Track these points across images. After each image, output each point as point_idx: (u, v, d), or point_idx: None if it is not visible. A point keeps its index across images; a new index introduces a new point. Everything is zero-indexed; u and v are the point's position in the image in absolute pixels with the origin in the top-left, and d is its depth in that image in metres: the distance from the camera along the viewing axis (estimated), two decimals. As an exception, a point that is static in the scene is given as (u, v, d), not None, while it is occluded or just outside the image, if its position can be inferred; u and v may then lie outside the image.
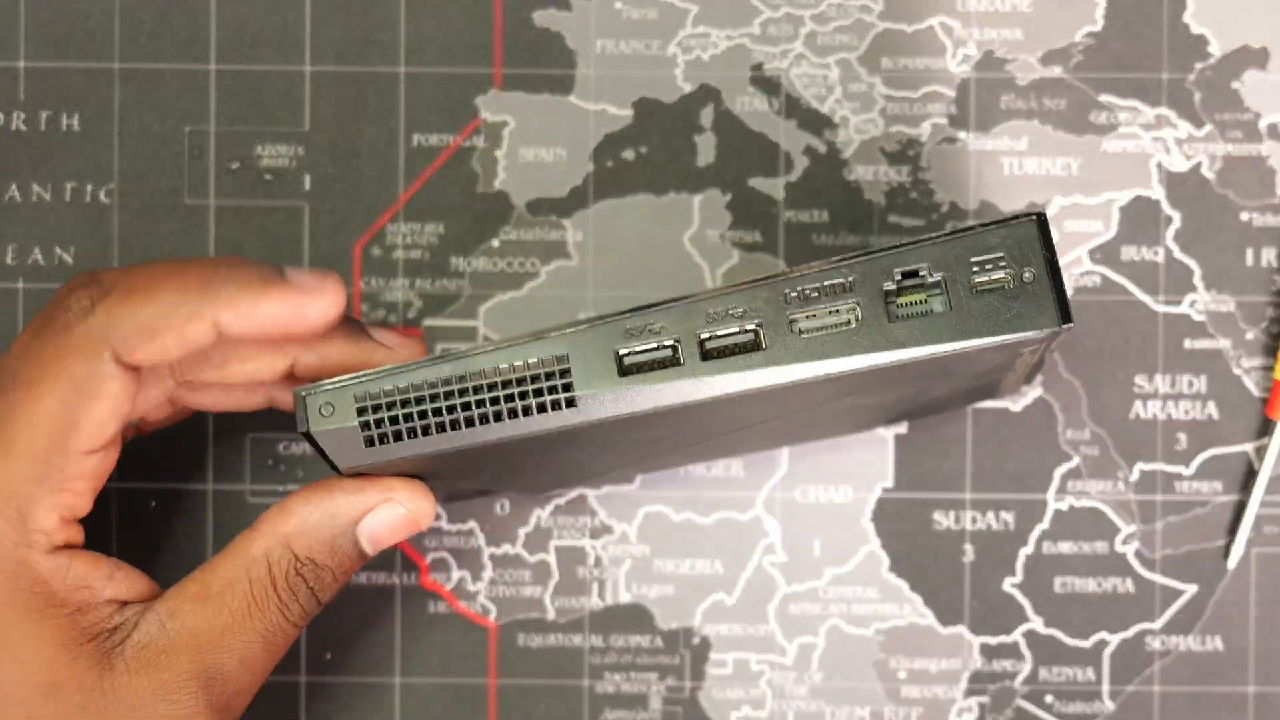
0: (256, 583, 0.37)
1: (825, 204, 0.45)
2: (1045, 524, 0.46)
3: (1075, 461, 0.45)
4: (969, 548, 0.46)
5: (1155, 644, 0.45)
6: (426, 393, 0.35)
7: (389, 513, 0.38)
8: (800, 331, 0.34)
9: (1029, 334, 0.33)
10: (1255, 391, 0.45)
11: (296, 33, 0.46)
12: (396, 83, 0.46)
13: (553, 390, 0.35)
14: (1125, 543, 0.45)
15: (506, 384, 0.35)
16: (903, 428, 0.46)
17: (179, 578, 0.38)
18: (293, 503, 0.37)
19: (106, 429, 0.36)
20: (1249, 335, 0.45)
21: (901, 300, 0.34)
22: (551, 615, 0.46)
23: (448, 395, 0.35)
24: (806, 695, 0.46)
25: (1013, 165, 0.45)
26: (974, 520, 0.46)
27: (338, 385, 0.35)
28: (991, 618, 0.46)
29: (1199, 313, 0.45)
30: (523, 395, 0.35)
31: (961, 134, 0.45)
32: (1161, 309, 0.45)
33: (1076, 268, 0.45)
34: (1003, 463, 0.46)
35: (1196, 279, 0.45)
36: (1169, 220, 0.45)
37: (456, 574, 0.46)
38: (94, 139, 0.46)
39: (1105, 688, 0.45)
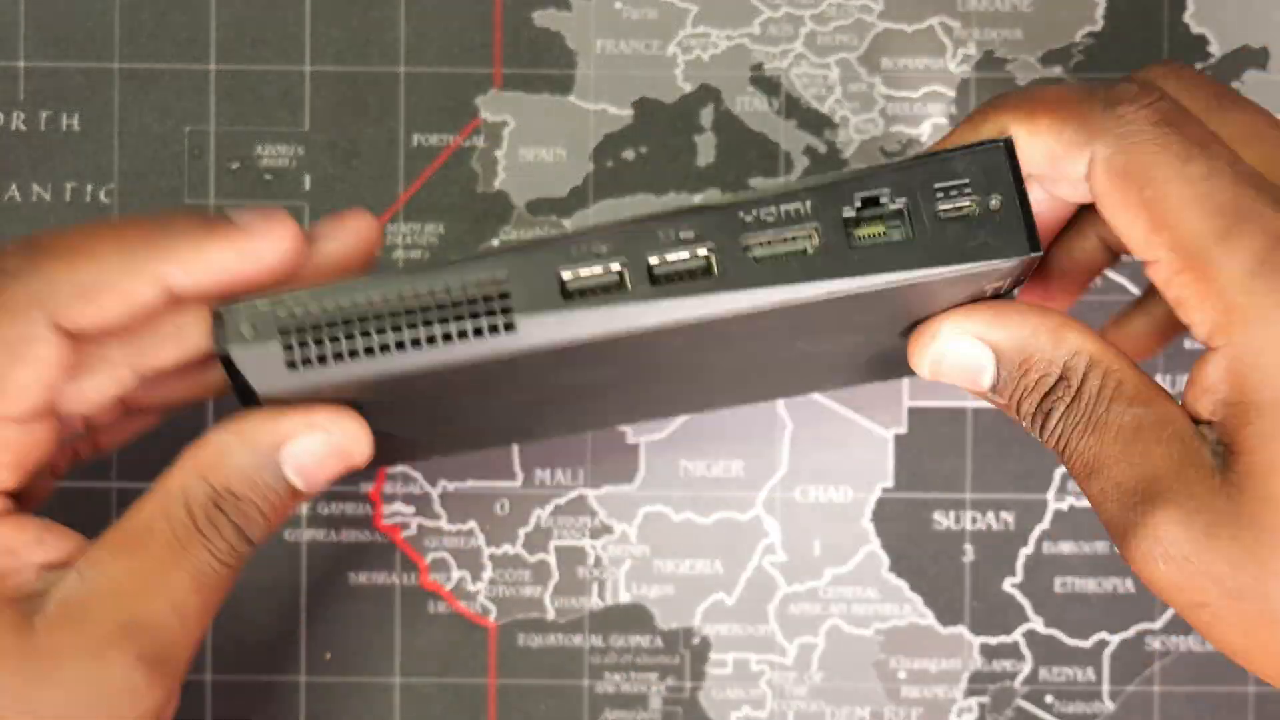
0: (176, 520, 0.34)
1: (825, 204, 0.46)
2: (1045, 524, 0.46)
3: (1075, 461, 0.45)
4: (969, 548, 0.46)
5: (1155, 644, 0.45)
6: (356, 315, 0.32)
7: (312, 440, 0.35)
8: (755, 258, 0.32)
9: (996, 263, 0.32)
10: (1255, 391, 0.45)
11: (296, 33, 0.46)
12: (396, 83, 0.46)
13: (490, 313, 0.32)
14: (1125, 543, 0.45)
15: (442, 306, 0.32)
16: (903, 428, 0.46)
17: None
18: (212, 432, 0.35)
19: (29, 394, 0.34)
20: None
21: (861, 230, 0.32)
22: (551, 615, 0.46)
23: (378, 317, 0.32)
24: (806, 695, 0.46)
25: (1013, 165, 0.45)
26: (974, 520, 0.46)
27: (261, 303, 0.33)
28: (991, 618, 0.46)
29: (1199, 313, 0.45)
30: (458, 318, 0.32)
31: (961, 134, 0.45)
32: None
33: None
34: (1003, 463, 0.46)
35: (1196, 279, 0.45)
36: (1169, 220, 0.45)
37: (456, 574, 0.46)
38: (94, 139, 0.46)
39: (1105, 688, 0.45)
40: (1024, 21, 0.45)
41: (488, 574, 0.46)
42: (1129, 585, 0.45)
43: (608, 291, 0.32)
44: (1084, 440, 0.34)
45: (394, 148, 0.46)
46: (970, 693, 0.46)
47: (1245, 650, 0.33)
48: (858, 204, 0.32)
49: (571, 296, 0.32)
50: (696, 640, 0.46)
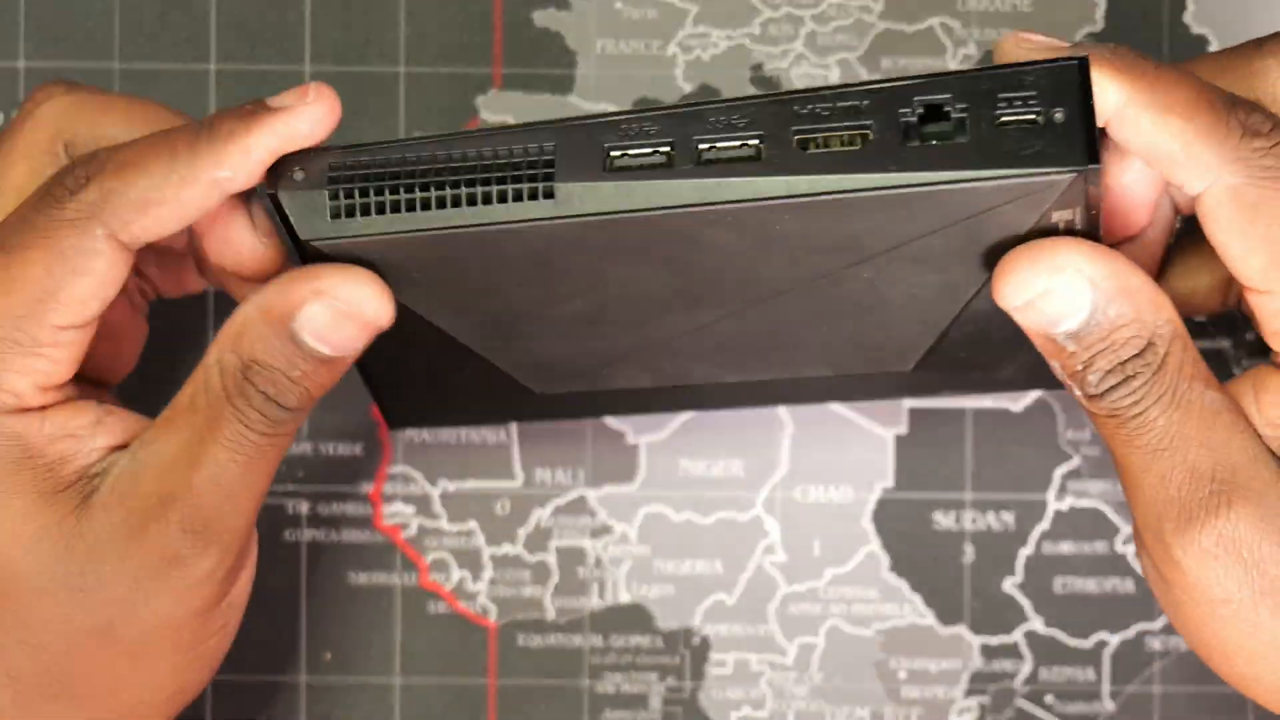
0: (211, 392, 0.35)
1: (825, 204, 0.45)
2: (1045, 524, 0.46)
3: (1076, 462, 0.45)
4: (969, 548, 0.46)
5: (1155, 644, 0.45)
6: (404, 169, 0.33)
7: (321, 305, 0.35)
8: (805, 150, 0.32)
9: (1051, 173, 0.31)
10: (1255, 391, 0.45)
11: (296, 33, 0.46)
12: (396, 83, 0.46)
13: (533, 179, 0.33)
14: (1125, 543, 0.45)
15: (487, 167, 0.33)
16: (903, 428, 0.46)
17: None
18: (241, 306, 0.36)
19: (87, 307, 0.35)
20: (1249, 335, 0.45)
21: (920, 129, 0.32)
22: (551, 615, 0.46)
23: (423, 173, 0.33)
24: (806, 695, 0.46)
25: (1013, 165, 0.45)
26: (974, 520, 0.46)
27: (315, 150, 0.34)
28: (991, 618, 0.46)
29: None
30: (500, 181, 0.33)
31: (961, 134, 0.45)
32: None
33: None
34: (1003, 463, 0.46)
35: (1196, 279, 0.45)
36: (1169, 220, 0.45)
37: (456, 574, 0.46)
38: (94, 139, 0.46)
39: (1105, 688, 0.45)
40: (1024, 21, 0.45)
41: (488, 574, 0.46)
42: (1129, 585, 0.45)
43: (653, 169, 0.32)
44: (1165, 414, 0.33)
45: (394, 148, 0.46)
46: (970, 693, 0.46)
47: (1246, 650, 0.34)
48: (919, 110, 0.32)
49: (615, 172, 0.32)
50: (696, 640, 0.46)
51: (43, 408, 0.36)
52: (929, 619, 0.46)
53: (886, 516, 0.46)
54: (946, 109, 0.32)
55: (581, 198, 0.33)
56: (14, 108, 0.46)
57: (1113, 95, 0.32)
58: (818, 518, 0.46)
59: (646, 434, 0.46)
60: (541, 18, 0.46)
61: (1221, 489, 0.33)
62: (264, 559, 0.46)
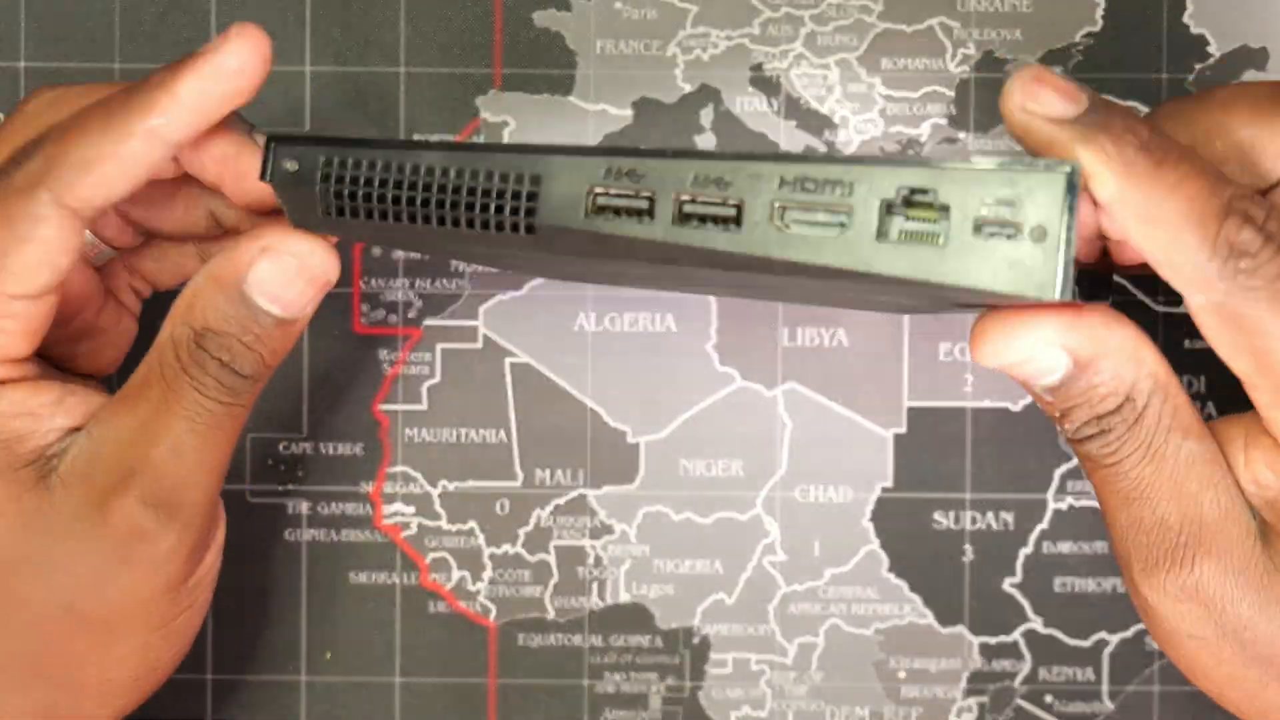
0: (166, 366, 0.36)
1: (825, 204, 0.46)
2: (1045, 524, 0.46)
3: (1075, 462, 0.45)
4: (969, 548, 0.46)
5: (1155, 644, 0.45)
6: (394, 176, 0.34)
7: (269, 263, 0.36)
8: (784, 222, 0.32)
9: (1022, 295, 0.31)
10: (1255, 391, 0.45)
11: (296, 33, 0.46)
12: (396, 83, 0.46)
13: (515, 211, 0.33)
14: (1125, 543, 0.45)
15: (472, 190, 0.33)
16: (903, 427, 0.46)
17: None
18: (191, 278, 0.36)
19: (38, 275, 0.35)
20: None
21: (898, 218, 0.31)
22: (551, 615, 0.46)
23: (412, 186, 0.34)
24: (806, 695, 0.46)
25: (1013, 165, 0.45)
26: (974, 520, 0.46)
27: (309, 140, 0.34)
28: (991, 618, 0.46)
29: (1199, 313, 0.45)
30: (484, 208, 0.33)
31: (961, 134, 0.45)
32: (1161, 309, 0.45)
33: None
34: (1003, 463, 0.46)
35: (1196, 279, 0.45)
36: (1169, 220, 0.45)
37: (456, 574, 0.46)
38: (94, 139, 0.46)
39: (1105, 688, 0.45)
40: (1024, 21, 0.45)
41: (488, 574, 0.46)
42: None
43: (633, 214, 0.33)
44: (1139, 467, 0.34)
45: (394, 148, 0.46)
46: (970, 693, 0.46)
47: (1213, 675, 0.36)
48: (904, 192, 0.31)
49: (598, 211, 0.33)
50: (696, 640, 0.46)
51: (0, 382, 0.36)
52: (929, 619, 0.46)
53: (886, 516, 0.46)
54: (928, 205, 0.31)
55: (561, 239, 0.33)
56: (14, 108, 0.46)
57: (1104, 190, 0.32)
58: (818, 518, 0.46)
59: (646, 434, 0.46)
60: (541, 18, 0.46)
61: (1187, 542, 0.34)
62: (264, 559, 0.46)
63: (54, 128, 0.35)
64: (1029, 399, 0.45)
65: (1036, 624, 0.46)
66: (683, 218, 0.32)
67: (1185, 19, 0.45)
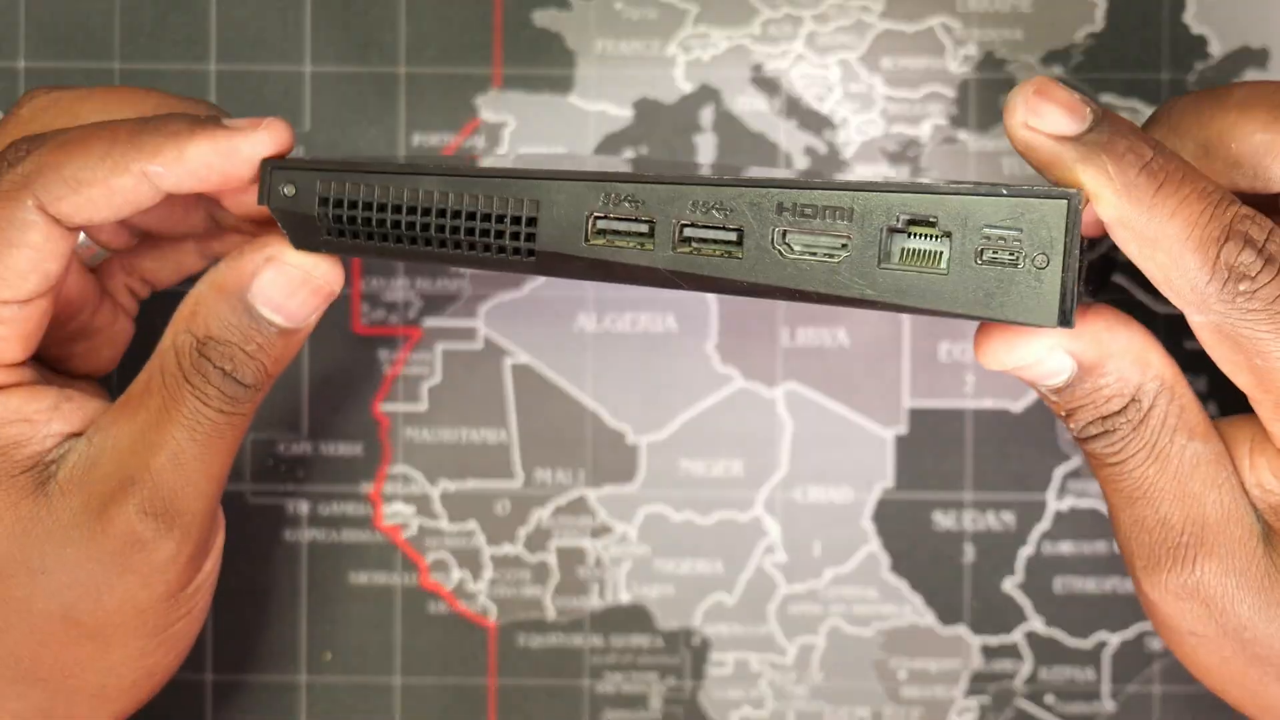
0: (168, 374, 0.36)
1: (825, 204, 0.45)
2: (1045, 524, 0.46)
3: (1076, 462, 0.45)
4: (969, 548, 0.46)
5: (1155, 644, 0.45)
6: (391, 201, 0.34)
7: (273, 273, 0.36)
8: (784, 249, 0.32)
9: (1023, 323, 0.31)
10: (1255, 391, 0.45)
11: (296, 33, 0.46)
12: (396, 83, 0.46)
13: (515, 236, 0.33)
14: (1125, 543, 0.45)
15: (471, 215, 0.33)
16: (903, 427, 0.46)
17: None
18: (194, 286, 0.36)
19: (26, 281, 0.35)
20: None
21: (899, 247, 0.31)
22: (551, 615, 0.46)
23: (410, 210, 0.34)
24: (806, 695, 0.46)
25: (1013, 166, 0.45)
26: (974, 520, 0.46)
27: (304, 165, 0.34)
28: (992, 618, 0.46)
29: (1199, 313, 0.45)
30: (484, 233, 0.33)
31: (961, 134, 0.45)
32: (1162, 311, 0.45)
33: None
34: (1003, 463, 0.46)
35: (1196, 279, 0.45)
36: (1169, 220, 0.45)
37: (456, 574, 0.46)
38: (94, 139, 0.46)
39: (1105, 688, 0.45)
40: (1024, 21, 0.45)
41: (488, 574, 0.46)
42: (1129, 585, 0.45)
43: (633, 237, 0.33)
44: (1143, 467, 0.34)
45: (394, 148, 0.46)
46: (970, 693, 0.46)
47: (1215, 673, 0.36)
48: (902, 222, 0.31)
49: (597, 235, 0.33)
50: (696, 640, 0.46)
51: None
52: (929, 619, 0.46)
53: (886, 516, 0.46)
54: (929, 233, 0.31)
55: (561, 264, 0.33)
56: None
57: (1106, 211, 0.32)
58: (818, 518, 0.46)
59: (646, 434, 0.46)
60: (541, 18, 0.46)
61: (1189, 542, 0.34)
62: (264, 559, 0.46)
63: (54, 134, 0.35)
64: (1029, 400, 0.45)
65: (1037, 624, 0.46)
66: (683, 243, 0.32)
67: (1186, 19, 0.45)
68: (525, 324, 0.46)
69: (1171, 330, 0.45)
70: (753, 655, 0.46)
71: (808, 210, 0.32)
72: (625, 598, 0.46)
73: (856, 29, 0.46)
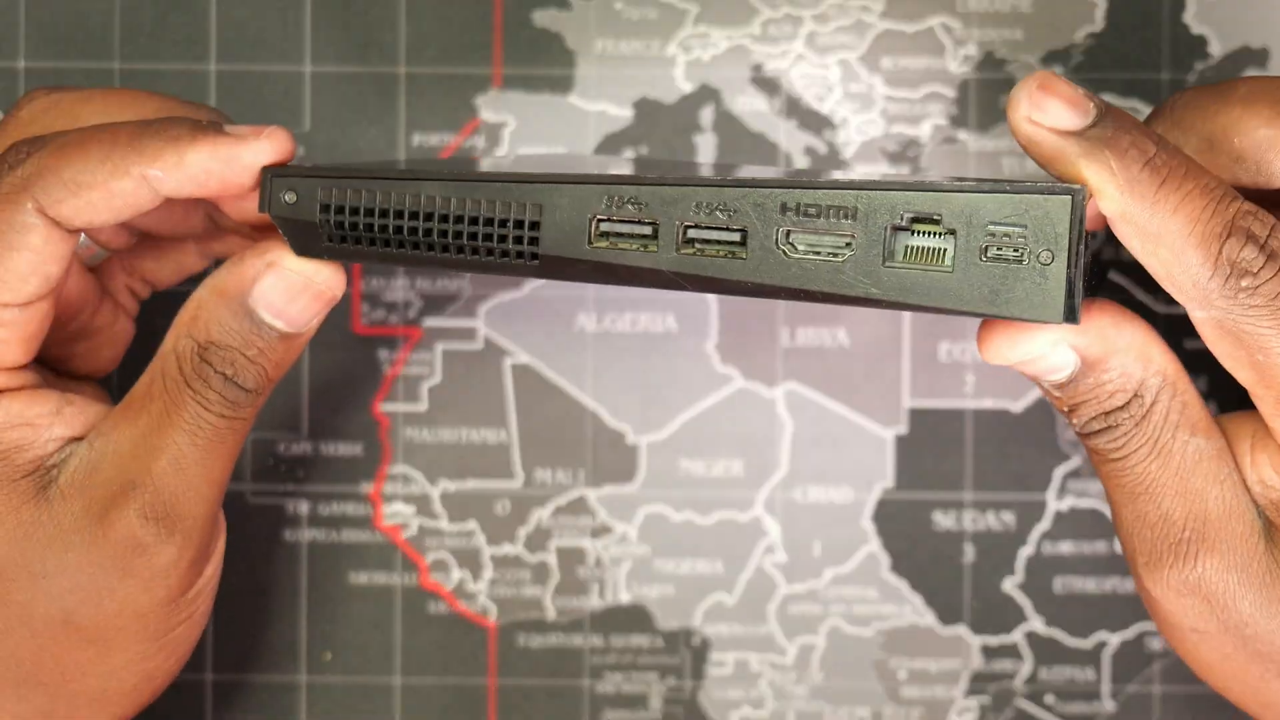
0: (169, 379, 0.36)
1: (825, 204, 0.45)
2: (1045, 524, 0.46)
3: (1076, 462, 0.45)
4: (969, 548, 0.46)
5: (1155, 644, 0.45)
6: (393, 207, 0.34)
7: (274, 278, 0.35)
8: (788, 248, 0.32)
9: (1027, 319, 0.31)
10: (1255, 391, 0.45)
11: (296, 33, 0.46)
12: (396, 83, 0.46)
13: (518, 240, 0.33)
14: (1125, 543, 0.45)
15: (474, 220, 0.33)
16: (903, 427, 0.46)
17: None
18: (195, 290, 0.36)
19: (26, 284, 0.35)
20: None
21: (903, 244, 0.31)
22: (551, 615, 0.46)
23: (412, 216, 0.34)
24: (806, 695, 0.46)
25: (1013, 165, 0.45)
26: (974, 520, 0.46)
27: (304, 171, 0.34)
28: (992, 618, 0.46)
29: (1199, 313, 0.45)
30: (487, 237, 0.33)
31: (961, 134, 0.45)
32: (1162, 309, 0.45)
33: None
34: (1003, 463, 0.46)
35: (1196, 279, 0.45)
36: (1169, 220, 0.45)
37: (456, 574, 0.46)
38: (94, 139, 0.46)
39: (1105, 688, 0.45)
40: (1024, 21, 0.45)
41: (488, 574, 0.46)
42: (1129, 585, 0.45)
43: (636, 240, 0.33)
44: (1145, 462, 0.34)
45: (394, 148, 0.46)
46: (970, 693, 0.46)
47: (1216, 669, 0.36)
48: (906, 220, 0.31)
49: (601, 237, 0.33)
50: (696, 640, 0.46)
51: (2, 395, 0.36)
52: (929, 619, 0.46)
53: (886, 516, 0.46)
54: (934, 230, 0.31)
55: (565, 267, 0.33)
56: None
57: (1108, 206, 0.32)
58: (818, 518, 0.46)
59: (646, 434, 0.46)
60: (541, 18, 0.46)
61: (1191, 538, 0.34)
62: (264, 559, 0.46)
63: (54, 136, 0.35)
64: (1029, 400, 0.45)
65: (1037, 624, 0.46)
66: (686, 245, 0.32)
67: (1186, 19, 0.45)
68: (525, 324, 0.46)
69: (1172, 329, 0.45)
70: (753, 655, 0.46)
71: (811, 210, 0.32)
72: (625, 598, 0.46)
73: (856, 29, 0.46)
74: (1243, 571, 0.34)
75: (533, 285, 0.46)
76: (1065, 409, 0.34)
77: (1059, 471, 0.45)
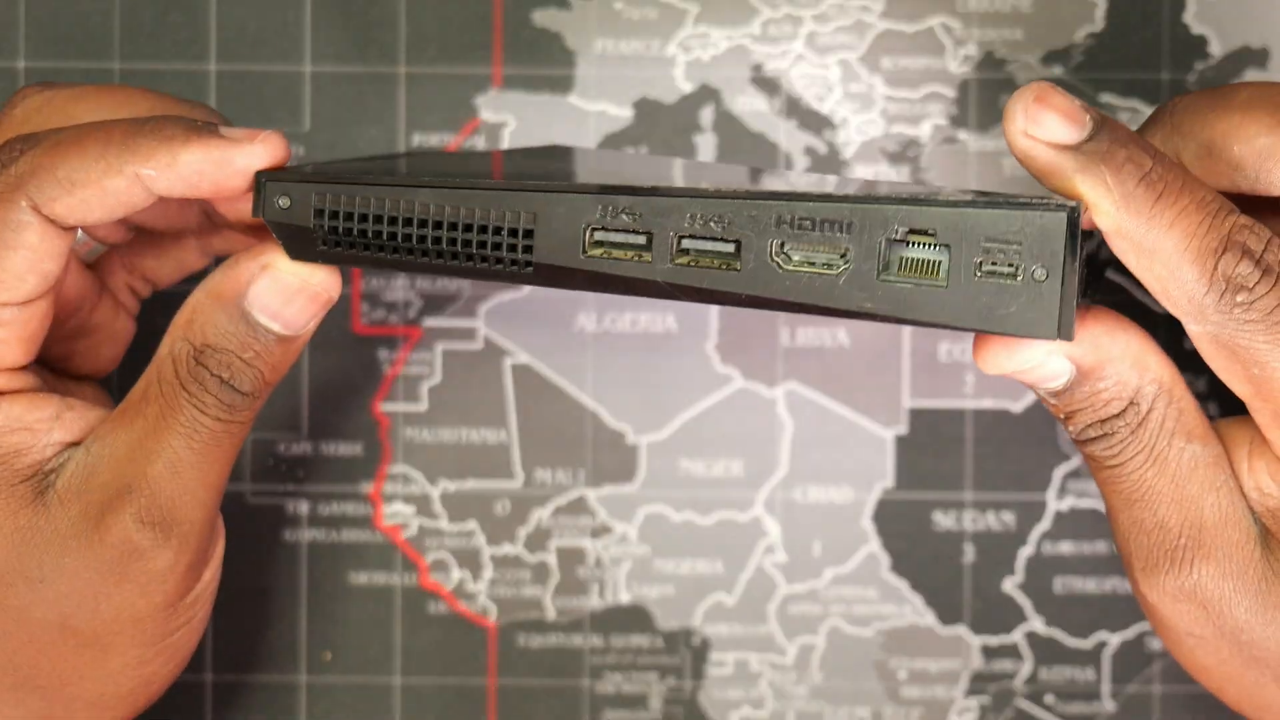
0: (165, 382, 0.35)
1: (825, 204, 0.45)
2: (1045, 524, 0.46)
3: (1076, 462, 0.45)
4: (969, 548, 0.46)
5: (1155, 644, 0.45)
6: (387, 214, 0.34)
7: (269, 280, 0.35)
8: (781, 263, 0.32)
9: (1021, 335, 0.31)
10: (1255, 391, 0.45)
11: (296, 33, 0.46)
12: (396, 83, 0.46)
13: (512, 248, 0.33)
14: (1125, 543, 0.45)
15: (468, 228, 0.33)
16: (903, 427, 0.46)
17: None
18: (191, 294, 0.36)
19: (24, 282, 0.35)
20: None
21: (898, 258, 0.31)
22: (551, 615, 0.46)
23: (406, 222, 0.34)
24: (806, 695, 0.46)
25: (1013, 166, 0.45)
26: (974, 520, 0.46)
27: (297, 175, 0.34)
28: (991, 618, 0.46)
29: (1199, 313, 0.45)
30: (481, 244, 0.33)
31: (961, 134, 0.45)
32: (1160, 310, 0.45)
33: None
34: (1003, 463, 0.46)
35: (1197, 279, 0.45)
36: (1169, 220, 0.45)
37: (456, 574, 0.46)
38: (94, 139, 0.46)
39: (1105, 688, 0.45)
40: (1024, 21, 0.45)
41: (488, 574, 0.46)
42: (1129, 585, 0.45)
43: (630, 249, 0.33)
44: (1141, 470, 0.34)
45: (393, 148, 0.46)
46: (970, 693, 0.46)
47: (1213, 673, 0.36)
48: (901, 234, 0.31)
49: (595, 246, 0.33)
50: (696, 640, 0.46)
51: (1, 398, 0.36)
52: (929, 619, 0.46)
53: (886, 516, 0.46)
54: (929, 244, 0.31)
55: (559, 276, 0.33)
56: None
57: (1103, 221, 0.32)
58: (818, 518, 0.46)
59: (646, 434, 0.46)
60: (541, 17, 0.46)
61: (1187, 545, 0.34)
62: (264, 559, 0.46)
63: (47, 134, 0.35)
64: (1029, 400, 0.45)
65: (1037, 624, 0.46)
66: (681, 255, 0.32)
67: (1186, 18, 0.45)
68: (525, 324, 0.46)
69: (1171, 331, 0.45)
70: (753, 655, 0.46)
71: (806, 223, 0.32)
72: (625, 598, 0.46)
73: (856, 29, 0.46)
74: (1238, 578, 0.34)
75: (531, 286, 0.46)
76: (1061, 416, 0.34)
77: (1059, 471, 0.45)
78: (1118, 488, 0.34)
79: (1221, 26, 0.45)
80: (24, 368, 0.36)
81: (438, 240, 0.33)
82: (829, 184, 0.36)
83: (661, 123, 0.46)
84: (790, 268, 0.32)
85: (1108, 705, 0.45)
